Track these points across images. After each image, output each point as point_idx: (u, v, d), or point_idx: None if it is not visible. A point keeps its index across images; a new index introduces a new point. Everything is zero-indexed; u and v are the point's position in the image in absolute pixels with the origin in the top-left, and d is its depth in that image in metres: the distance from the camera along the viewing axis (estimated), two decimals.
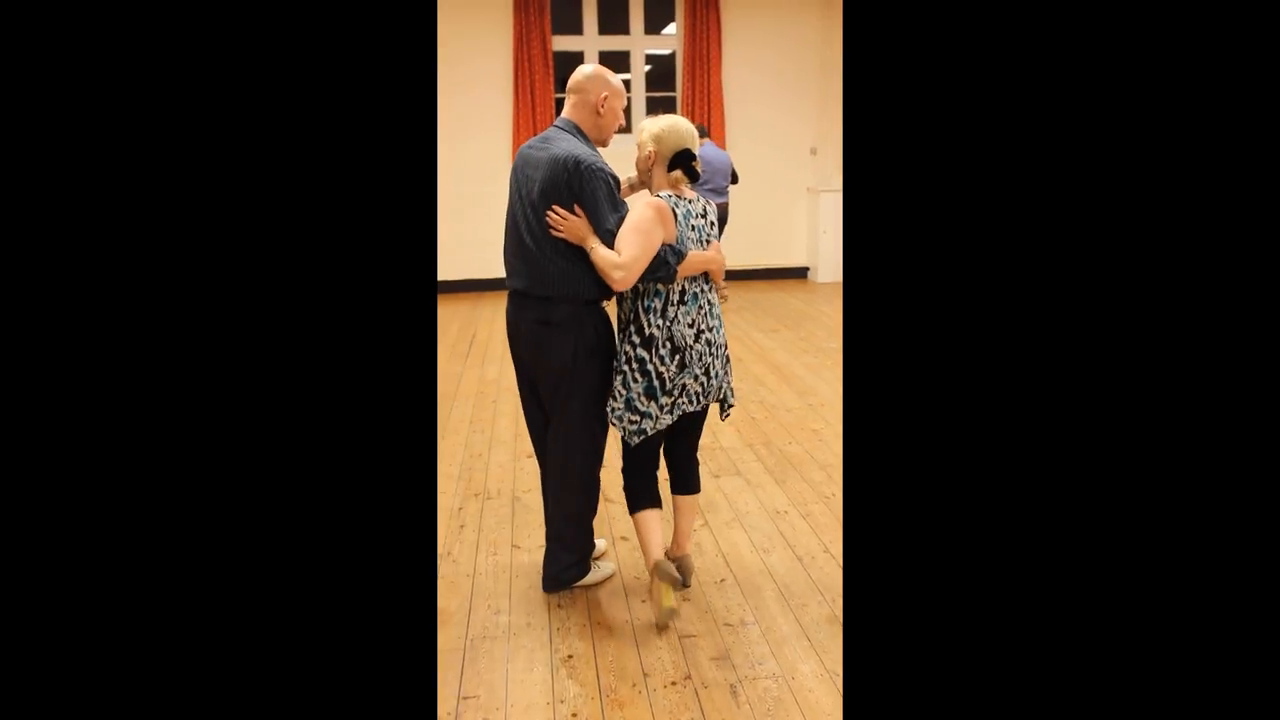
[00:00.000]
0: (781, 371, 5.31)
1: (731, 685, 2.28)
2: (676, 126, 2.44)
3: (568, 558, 2.69)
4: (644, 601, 2.68)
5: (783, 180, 8.50)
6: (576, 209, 2.38)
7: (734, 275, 8.52)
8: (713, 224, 2.56)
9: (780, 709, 2.18)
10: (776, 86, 8.33)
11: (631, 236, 2.32)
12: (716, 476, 3.70)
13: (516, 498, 3.52)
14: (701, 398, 2.53)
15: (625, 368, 2.48)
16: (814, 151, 8.52)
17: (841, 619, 2.58)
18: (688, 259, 2.41)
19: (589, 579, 2.77)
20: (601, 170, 2.39)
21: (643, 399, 2.46)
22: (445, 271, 8.07)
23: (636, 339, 2.46)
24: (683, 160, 2.44)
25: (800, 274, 8.70)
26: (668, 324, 2.44)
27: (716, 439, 4.15)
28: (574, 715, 2.17)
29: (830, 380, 5.10)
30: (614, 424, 2.53)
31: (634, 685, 2.29)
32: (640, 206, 2.36)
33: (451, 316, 7.15)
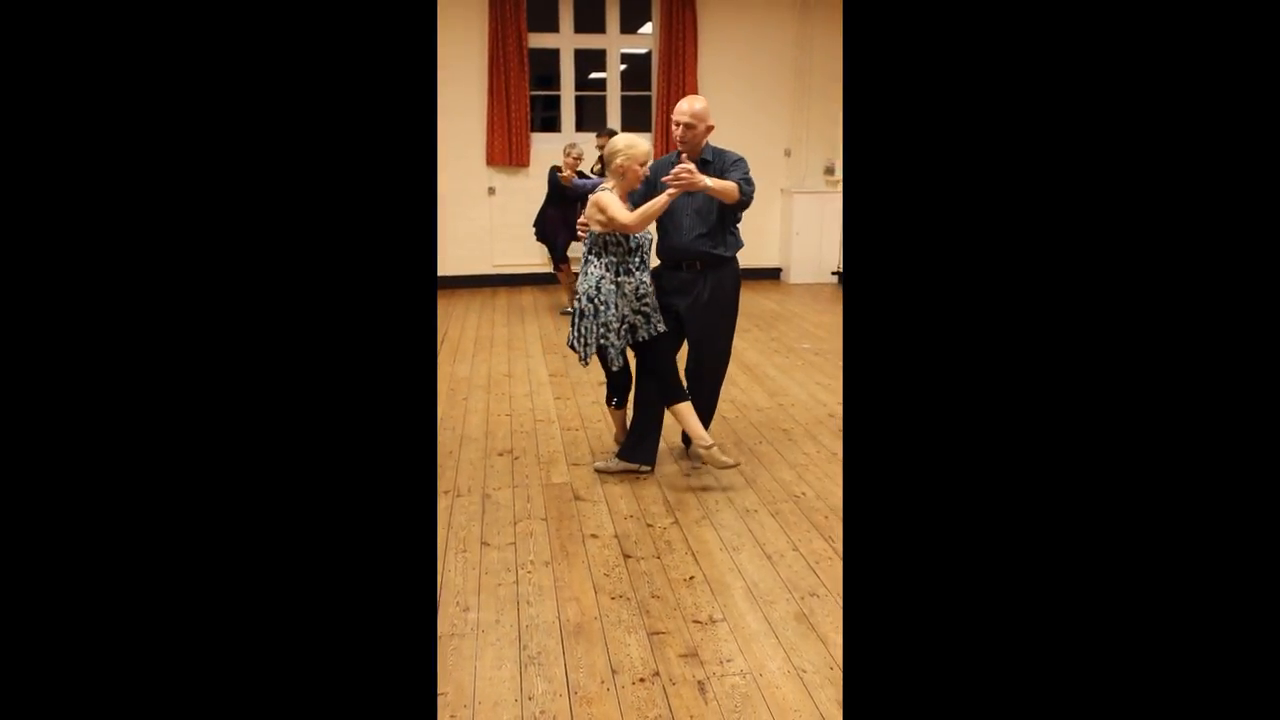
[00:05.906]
0: (753, 371, 5.33)
1: (699, 682, 2.29)
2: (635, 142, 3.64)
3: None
4: (614, 599, 2.69)
5: (757, 181, 8.49)
6: None
7: None
8: None
9: (748, 706, 2.20)
10: (751, 87, 8.36)
11: None
12: (687, 475, 3.71)
13: (487, 495, 3.51)
14: None
15: None
16: (788, 153, 8.56)
17: (809, 617, 2.60)
18: None
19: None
20: None
21: None
22: None
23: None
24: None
25: (773, 275, 8.74)
26: None
27: None
28: (542, 713, 2.17)
29: (801, 381, 5.13)
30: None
31: (602, 682, 2.30)
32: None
33: None
